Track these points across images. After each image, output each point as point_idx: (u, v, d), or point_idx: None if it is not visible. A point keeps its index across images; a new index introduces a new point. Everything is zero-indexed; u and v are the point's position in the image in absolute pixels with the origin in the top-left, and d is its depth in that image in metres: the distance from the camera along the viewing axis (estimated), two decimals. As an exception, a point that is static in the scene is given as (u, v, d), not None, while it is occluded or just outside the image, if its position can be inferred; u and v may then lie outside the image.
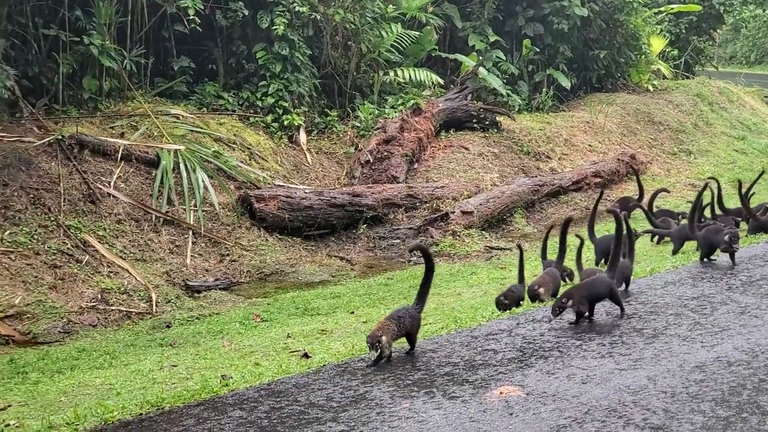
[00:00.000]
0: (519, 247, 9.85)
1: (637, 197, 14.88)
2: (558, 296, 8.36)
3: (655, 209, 13.83)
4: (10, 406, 7.86)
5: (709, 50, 32.74)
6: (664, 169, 21.36)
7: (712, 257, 10.09)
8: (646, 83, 26.14)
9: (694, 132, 24.29)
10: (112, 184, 14.33)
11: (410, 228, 15.79)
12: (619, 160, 20.17)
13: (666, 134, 23.57)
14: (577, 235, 10.20)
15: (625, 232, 8.73)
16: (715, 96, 27.17)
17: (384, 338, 6.94)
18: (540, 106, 23.08)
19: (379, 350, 6.94)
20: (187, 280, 13.25)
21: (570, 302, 7.71)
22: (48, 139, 14.32)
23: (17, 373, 9.44)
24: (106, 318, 11.82)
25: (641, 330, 7.54)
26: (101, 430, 6.23)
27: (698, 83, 27.91)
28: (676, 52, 29.33)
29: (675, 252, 11.51)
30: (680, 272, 9.57)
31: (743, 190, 12.17)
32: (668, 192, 17.00)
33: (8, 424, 6.93)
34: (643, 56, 25.99)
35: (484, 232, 15.86)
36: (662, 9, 28.08)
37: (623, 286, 8.84)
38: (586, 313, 7.85)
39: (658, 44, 27.28)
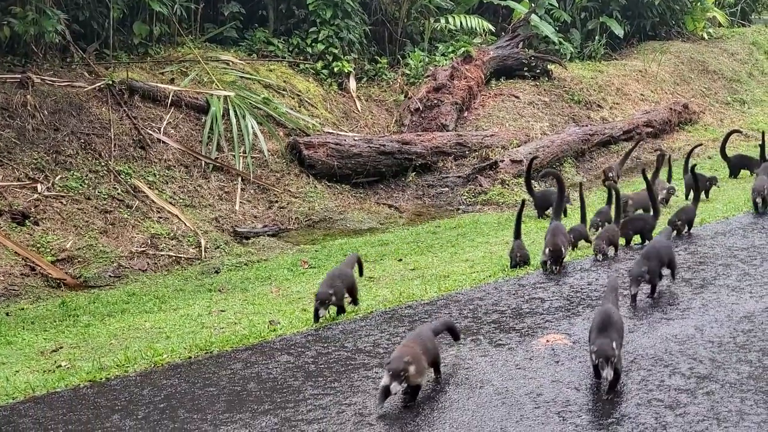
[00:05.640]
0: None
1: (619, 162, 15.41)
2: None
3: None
4: (61, 347, 7.98)
5: (767, -3, 32.15)
6: (717, 119, 21.09)
7: None
8: (701, 31, 25.66)
9: (749, 81, 23.92)
10: (161, 129, 14.42)
11: (459, 176, 15.74)
12: (671, 109, 19.92)
13: (720, 83, 23.24)
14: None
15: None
16: (771, 44, 26.75)
17: None
18: (592, 54, 22.83)
19: None
20: (235, 226, 13.32)
21: None
22: (98, 84, 14.43)
23: (68, 315, 9.57)
24: (155, 263, 11.93)
25: (689, 280, 7.51)
26: (151, 373, 6.32)
27: (754, 31, 27.39)
28: (732, -1, 28.86)
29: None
30: (730, 223, 9.49)
31: None
32: (741, 133, 17.07)
33: (60, 365, 7.05)
34: (699, 3, 25.46)
35: (533, 181, 15.75)
36: (719, -46, 27.59)
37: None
38: None
39: (714, -9, 26.83)
